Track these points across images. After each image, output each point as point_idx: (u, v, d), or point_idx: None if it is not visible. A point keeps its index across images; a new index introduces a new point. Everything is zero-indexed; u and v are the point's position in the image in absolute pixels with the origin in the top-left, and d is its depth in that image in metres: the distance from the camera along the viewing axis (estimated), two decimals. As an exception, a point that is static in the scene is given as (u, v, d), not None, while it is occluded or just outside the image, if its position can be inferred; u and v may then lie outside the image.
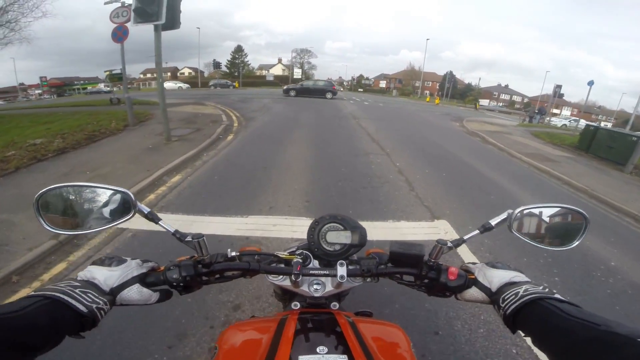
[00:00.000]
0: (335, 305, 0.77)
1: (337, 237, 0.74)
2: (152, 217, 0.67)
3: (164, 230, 0.68)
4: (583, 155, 9.53)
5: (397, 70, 71.60)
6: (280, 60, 69.41)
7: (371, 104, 21.80)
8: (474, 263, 0.73)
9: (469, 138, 10.68)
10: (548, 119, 23.03)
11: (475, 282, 0.67)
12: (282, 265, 0.74)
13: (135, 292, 0.61)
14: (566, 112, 48.04)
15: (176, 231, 0.67)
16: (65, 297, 0.51)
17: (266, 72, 63.07)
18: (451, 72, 41.92)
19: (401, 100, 34.56)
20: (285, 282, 0.76)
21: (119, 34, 7.09)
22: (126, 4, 6.57)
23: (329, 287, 0.75)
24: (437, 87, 57.84)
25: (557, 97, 22.04)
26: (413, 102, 32.47)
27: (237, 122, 9.66)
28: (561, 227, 0.74)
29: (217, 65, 45.19)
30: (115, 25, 6.84)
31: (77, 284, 0.55)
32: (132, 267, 0.63)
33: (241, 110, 12.48)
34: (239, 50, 57.96)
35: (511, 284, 0.61)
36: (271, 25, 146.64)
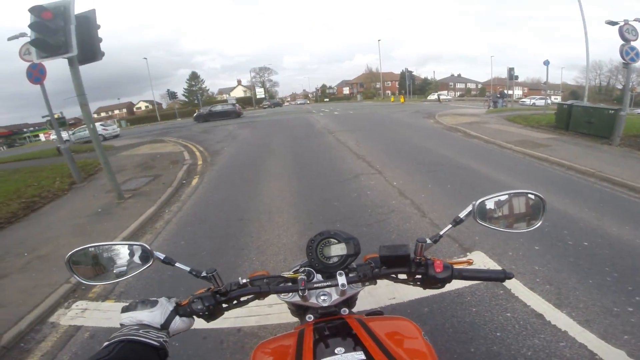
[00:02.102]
0: (345, 311, 0.83)
1: (334, 251, 0.80)
2: (168, 261, 0.78)
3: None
4: (564, 134, 9.45)
5: (356, 75, 73.18)
6: (239, 82, 68.47)
7: (341, 113, 21.32)
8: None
9: (450, 135, 10.25)
10: (514, 100, 23.73)
11: (463, 271, 0.76)
12: (289, 284, 0.79)
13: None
14: (518, 91, 50.43)
15: (192, 269, 0.77)
16: (137, 337, 0.62)
17: (227, 95, 61.75)
18: (407, 69, 42.59)
19: (368, 104, 34.63)
20: (295, 298, 0.79)
21: (35, 74, 5.80)
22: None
23: (335, 296, 0.79)
24: (397, 86, 59.10)
25: (512, 80, 22.75)
26: (380, 104, 32.61)
27: (202, 159, 8.57)
28: (521, 210, 0.78)
29: (172, 95, 43.21)
30: (28, 63, 5.61)
31: (135, 327, 0.66)
32: (165, 305, 0.73)
33: (204, 142, 11.37)
34: (194, 77, 56.06)
35: None
36: (223, 48, 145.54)
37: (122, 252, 0.81)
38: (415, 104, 31.54)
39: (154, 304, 0.72)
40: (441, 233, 0.79)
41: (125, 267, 0.79)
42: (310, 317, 0.83)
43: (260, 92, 57.44)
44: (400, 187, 4.95)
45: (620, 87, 40.68)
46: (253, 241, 3.65)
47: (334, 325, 0.78)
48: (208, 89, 60.36)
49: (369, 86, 64.30)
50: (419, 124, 13.21)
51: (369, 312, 0.90)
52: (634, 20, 8.01)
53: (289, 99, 78.63)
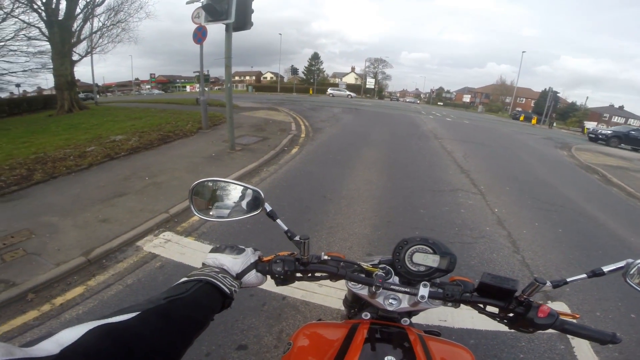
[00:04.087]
0: (406, 321, 0.80)
1: (424, 259, 0.76)
2: (272, 215, 0.78)
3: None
4: None
5: (484, 84, 65.39)
6: (353, 69, 68.85)
7: (455, 120, 19.58)
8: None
9: (584, 175, 8.38)
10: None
11: (566, 323, 0.68)
12: (363, 275, 0.78)
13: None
14: None
15: (288, 230, 0.77)
16: (215, 281, 0.63)
17: (339, 80, 63.17)
18: (551, 88, 35.16)
19: (489, 118, 30.94)
20: (363, 291, 0.78)
21: (199, 35, 7.08)
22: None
23: (405, 304, 0.77)
24: (532, 105, 50.58)
25: None
26: (504, 121, 28.73)
27: (305, 133, 9.13)
28: None
29: (294, 71, 47.21)
30: (195, 26, 6.84)
31: (217, 269, 0.67)
32: (249, 256, 0.74)
33: (311, 119, 12.04)
34: (315, 57, 58.48)
35: None
36: (346, 34, 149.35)
37: (233, 193, 0.81)
38: (551, 129, 26.62)
39: (240, 251, 0.73)
40: (568, 280, 0.70)
41: (235, 209, 0.80)
42: (367, 315, 0.81)
43: (370, 82, 56.94)
44: (500, 216, 4.35)
45: None
46: (328, 220, 3.77)
47: (391, 332, 0.75)
48: (324, 71, 62.76)
49: (495, 98, 56.95)
50: (547, 153, 11.16)
51: (427, 330, 0.88)
52: None
53: (397, 95, 75.45)
